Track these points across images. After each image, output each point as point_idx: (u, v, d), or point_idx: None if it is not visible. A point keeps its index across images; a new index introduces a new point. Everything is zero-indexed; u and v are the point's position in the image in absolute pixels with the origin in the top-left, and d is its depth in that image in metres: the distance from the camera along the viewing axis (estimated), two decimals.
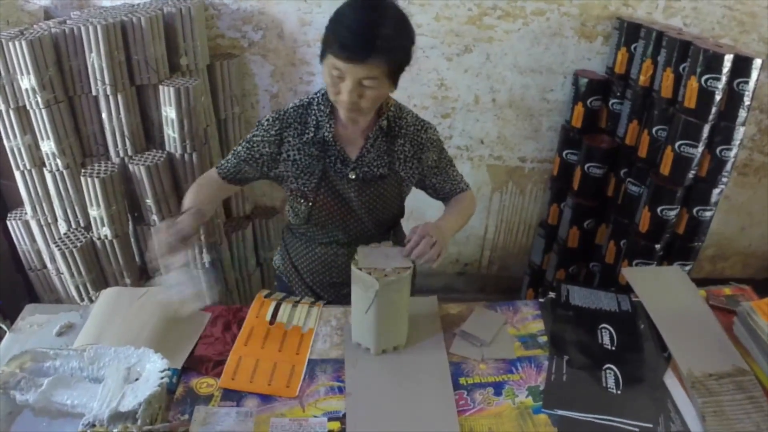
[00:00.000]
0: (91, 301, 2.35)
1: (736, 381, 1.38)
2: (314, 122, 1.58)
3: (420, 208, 3.01)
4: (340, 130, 1.59)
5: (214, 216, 2.53)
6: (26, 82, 2.10)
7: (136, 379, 1.28)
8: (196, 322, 1.57)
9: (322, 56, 1.43)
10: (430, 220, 1.56)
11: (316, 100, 1.59)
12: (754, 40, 2.71)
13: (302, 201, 1.65)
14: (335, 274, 1.77)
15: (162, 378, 1.25)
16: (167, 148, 2.35)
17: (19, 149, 2.26)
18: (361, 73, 1.38)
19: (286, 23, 2.65)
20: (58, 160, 2.24)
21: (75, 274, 2.32)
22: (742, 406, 1.32)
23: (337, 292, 1.78)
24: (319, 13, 2.61)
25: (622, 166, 2.66)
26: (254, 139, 1.61)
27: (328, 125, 1.56)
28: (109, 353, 1.31)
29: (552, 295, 1.73)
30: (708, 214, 2.41)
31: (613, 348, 1.53)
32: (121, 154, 2.31)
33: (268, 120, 1.61)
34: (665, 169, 2.35)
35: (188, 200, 1.61)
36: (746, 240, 3.34)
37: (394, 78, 1.45)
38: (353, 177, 1.59)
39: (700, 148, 2.27)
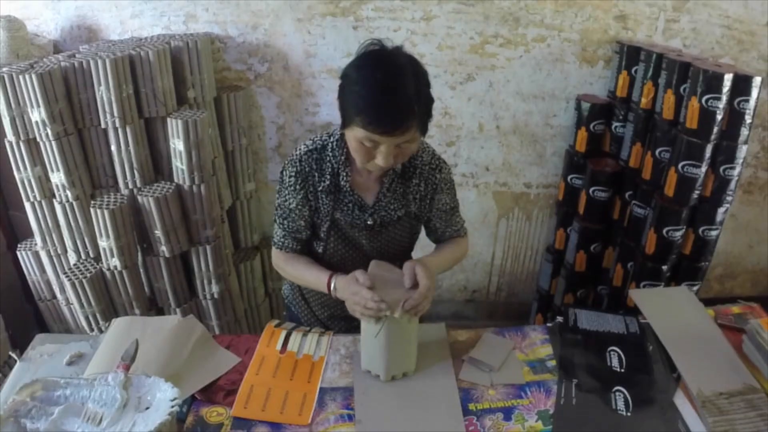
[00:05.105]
0: (101, 331, 2.36)
1: (747, 399, 1.38)
2: (330, 170, 1.53)
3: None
4: (355, 177, 1.57)
5: (222, 247, 2.54)
6: (36, 114, 2.14)
7: (147, 408, 1.29)
8: (224, 360, 1.55)
9: (346, 124, 1.38)
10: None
11: (330, 145, 1.54)
12: (753, 58, 2.73)
13: (314, 245, 1.66)
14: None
15: (172, 407, 1.25)
16: (175, 180, 2.38)
17: (29, 181, 2.29)
18: (399, 140, 1.34)
19: (291, 55, 2.69)
20: (68, 192, 2.27)
21: (85, 304, 2.33)
22: (753, 424, 1.31)
23: (348, 325, 1.72)
24: (323, 45, 2.64)
25: (626, 188, 2.67)
26: (290, 206, 1.58)
27: (344, 174, 1.53)
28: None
29: (560, 319, 1.72)
30: (714, 233, 2.41)
31: (622, 370, 1.52)
32: (130, 185, 2.34)
33: (289, 176, 1.55)
34: (669, 190, 2.35)
35: (314, 273, 1.58)
36: (754, 258, 3.32)
37: (425, 127, 1.41)
38: (370, 223, 1.58)
39: (704, 168, 2.27)
